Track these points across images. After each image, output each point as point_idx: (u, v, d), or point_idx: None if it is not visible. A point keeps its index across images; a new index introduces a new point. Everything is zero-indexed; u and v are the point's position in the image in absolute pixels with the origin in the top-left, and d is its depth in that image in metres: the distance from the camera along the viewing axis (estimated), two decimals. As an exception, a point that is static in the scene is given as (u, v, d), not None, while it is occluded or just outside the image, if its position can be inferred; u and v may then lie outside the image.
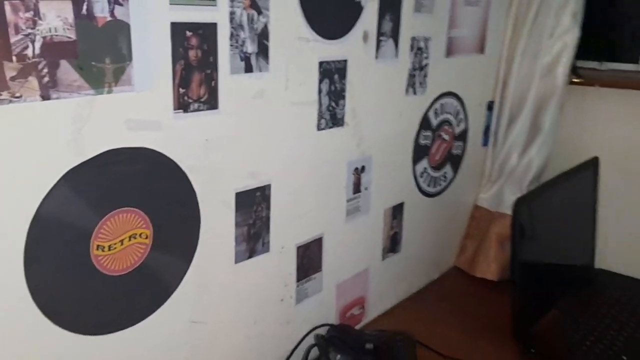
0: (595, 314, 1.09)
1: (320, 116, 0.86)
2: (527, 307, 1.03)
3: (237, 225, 0.78)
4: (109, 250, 0.64)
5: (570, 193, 1.17)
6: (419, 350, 0.98)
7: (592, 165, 1.23)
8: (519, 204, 0.97)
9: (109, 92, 0.60)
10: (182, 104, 0.67)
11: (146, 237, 0.67)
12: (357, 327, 1.07)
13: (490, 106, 1.30)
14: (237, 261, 0.79)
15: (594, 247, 1.28)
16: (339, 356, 0.89)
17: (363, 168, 0.98)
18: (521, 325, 1.01)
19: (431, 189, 1.18)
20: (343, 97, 0.89)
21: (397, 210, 1.09)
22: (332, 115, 0.88)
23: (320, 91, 0.85)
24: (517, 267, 0.98)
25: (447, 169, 1.21)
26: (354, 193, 0.97)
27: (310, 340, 0.93)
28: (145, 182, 0.66)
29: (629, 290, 1.19)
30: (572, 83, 1.26)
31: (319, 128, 0.86)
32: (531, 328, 1.03)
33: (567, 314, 1.09)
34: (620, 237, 1.29)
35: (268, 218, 0.82)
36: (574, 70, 1.27)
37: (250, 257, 0.81)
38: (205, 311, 0.77)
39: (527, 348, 0.99)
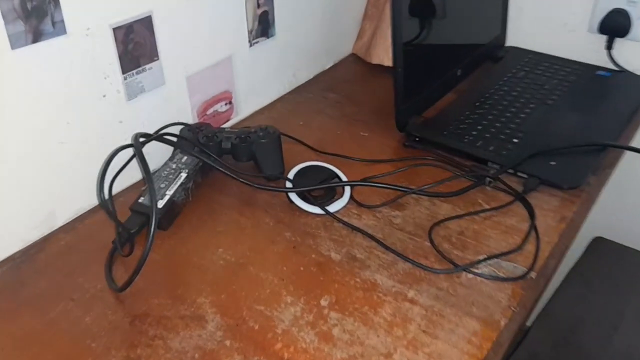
0: (497, 93, 0.97)
1: None
2: (414, 92, 0.90)
3: (0, -5, 0.58)
4: None
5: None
6: (290, 145, 0.86)
7: None
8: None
9: None
10: None
11: None
12: (226, 125, 0.93)
13: None
14: (14, 47, 0.61)
15: (506, 19, 1.13)
16: (185, 158, 0.76)
17: None
18: (405, 112, 0.88)
19: (311, -43, 0.97)
20: None
21: (263, -17, 0.89)
22: None
23: None
24: (399, 42, 0.82)
25: None
26: (192, -43, 0.76)
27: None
28: None
29: (540, 66, 1.06)
30: None
31: None
32: (419, 116, 0.91)
33: (463, 97, 0.98)
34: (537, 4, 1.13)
35: (53, -13, 0.62)
36: None
37: (35, 41, 0.62)
38: (-18, 112, 0.61)
39: (411, 137, 0.88)
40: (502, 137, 0.85)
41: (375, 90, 1.04)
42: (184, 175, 0.74)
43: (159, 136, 0.73)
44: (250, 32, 0.90)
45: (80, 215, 0.74)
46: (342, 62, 1.15)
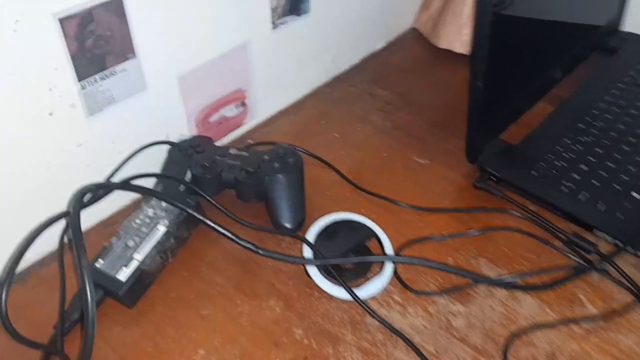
0: (609, 109, 0.71)
1: None
2: (496, 105, 0.64)
3: None
4: None
5: None
6: (317, 170, 0.64)
7: None
8: None
9: None
10: None
11: None
12: (237, 133, 0.70)
13: None
14: None
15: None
16: (163, 203, 0.54)
17: None
18: (480, 136, 0.64)
19: None
20: None
21: (295, -59, 0.63)
22: None
23: None
24: (484, 26, 0.56)
25: None
26: None
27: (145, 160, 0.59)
28: None
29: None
30: None
31: None
32: (497, 139, 0.66)
33: (561, 113, 0.71)
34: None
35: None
36: None
37: None
38: None
39: (486, 174, 0.63)
40: (617, 187, 0.60)
41: (441, 87, 0.79)
42: (162, 229, 0.53)
43: (123, 183, 0.51)
44: (274, 9, 0.65)
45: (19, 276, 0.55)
46: (398, 41, 0.88)
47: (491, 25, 0.55)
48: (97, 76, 0.52)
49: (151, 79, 0.56)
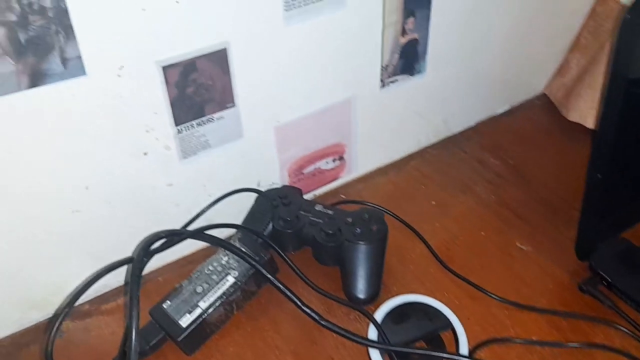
0: None
1: None
2: (619, 197, 0.56)
3: (-23, 25, 0.40)
4: None
5: None
6: (405, 238, 0.60)
7: None
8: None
9: None
10: None
11: None
12: (331, 186, 0.69)
13: None
14: (5, 92, 0.43)
15: None
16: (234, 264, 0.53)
17: None
18: (593, 231, 0.56)
19: (503, -39, 0.65)
20: None
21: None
22: None
23: None
24: (613, 106, 0.49)
25: None
26: (301, -36, 0.51)
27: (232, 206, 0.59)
28: None
29: None
30: None
31: None
32: (616, 238, 0.58)
33: None
34: None
35: None
36: None
37: (35, 85, 0.44)
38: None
39: (596, 277, 0.55)
40: None
41: (562, 165, 0.71)
42: (230, 280, 0.52)
43: (195, 232, 0.51)
44: (384, 67, 0.63)
45: (92, 302, 0.57)
46: (523, 106, 0.82)
47: (623, 104, 0.48)
48: (194, 122, 0.53)
49: (248, 128, 0.57)
